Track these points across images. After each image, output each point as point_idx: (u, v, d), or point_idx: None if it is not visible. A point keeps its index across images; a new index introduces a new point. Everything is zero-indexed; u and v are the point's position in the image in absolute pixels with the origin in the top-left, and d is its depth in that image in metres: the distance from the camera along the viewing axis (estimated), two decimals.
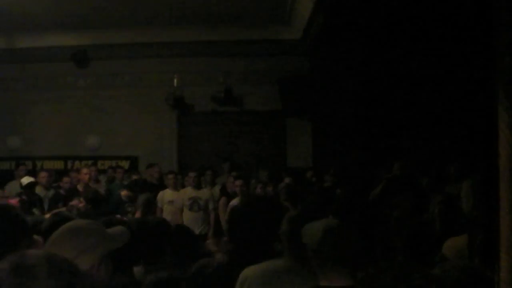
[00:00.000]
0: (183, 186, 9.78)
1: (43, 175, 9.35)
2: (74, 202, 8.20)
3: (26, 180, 8.59)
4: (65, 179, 9.63)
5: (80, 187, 9.20)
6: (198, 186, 9.43)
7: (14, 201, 7.60)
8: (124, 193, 9.10)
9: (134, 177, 10.13)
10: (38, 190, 8.83)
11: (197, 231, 8.08)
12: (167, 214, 8.75)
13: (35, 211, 7.63)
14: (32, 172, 10.70)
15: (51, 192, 9.07)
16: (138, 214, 6.78)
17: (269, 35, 11.96)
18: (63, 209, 7.31)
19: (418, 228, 3.24)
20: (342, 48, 10.75)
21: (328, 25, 9.86)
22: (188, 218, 8.99)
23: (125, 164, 12.40)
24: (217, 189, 9.84)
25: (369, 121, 11.16)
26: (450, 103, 9.83)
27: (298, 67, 11.84)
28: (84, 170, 9.79)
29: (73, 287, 1.78)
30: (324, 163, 10.81)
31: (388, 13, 9.12)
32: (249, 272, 3.33)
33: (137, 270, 3.41)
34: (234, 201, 8.12)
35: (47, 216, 5.46)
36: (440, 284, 1.78)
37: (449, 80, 9.42)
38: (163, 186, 9.62)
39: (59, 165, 12.48)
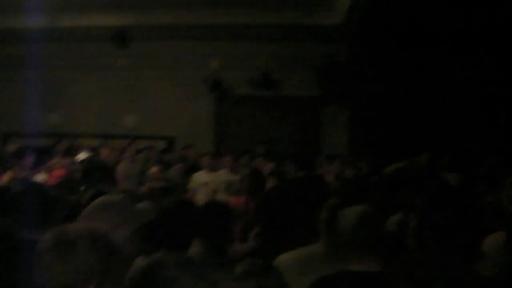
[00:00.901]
0: (218, 169, 9.80)
1: (104, 151, 9.50)
2: None
3: (82, 156, 8.80)
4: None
5: (120, 167, 9.37)
6: (233, 170, 9.44)
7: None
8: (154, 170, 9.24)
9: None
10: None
11: None
12: (201, 195, 8.78)
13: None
14: (71, 150, 10.90)
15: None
16: None
17: (309, 19, 11.83)
18: None
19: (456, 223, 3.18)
20: (384, 34, 10.61)
21: (371, 10, 9.71)
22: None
23: (162, 145, 12.52)
24: None
25: (409, 110, 11.05)
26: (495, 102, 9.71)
27: (337, 53, 11.71)
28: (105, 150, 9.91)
29: (113, 260, 1.82)
30: (361, 152, 10.73)
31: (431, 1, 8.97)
32: (283, 259, 3.35)
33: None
34: None
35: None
36: (479, 280, 1.76)
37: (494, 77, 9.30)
38: (198, 168, 9.64)
39: (97, 143, 12.63)
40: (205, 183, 9.18)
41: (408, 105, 10.99)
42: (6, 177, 7.78)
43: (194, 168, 9.59)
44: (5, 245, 2.98)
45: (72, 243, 1.73)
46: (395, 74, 10.82)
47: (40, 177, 8.07)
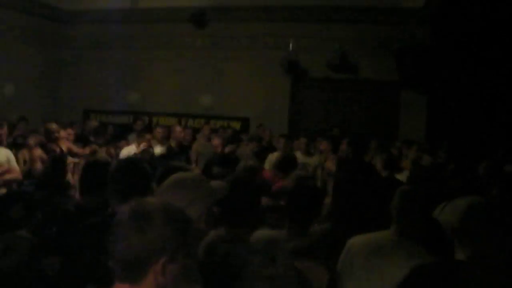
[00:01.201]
0: (292, 151, 9.79)
1: (158, 130, 9.66)
2: None
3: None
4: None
5: (195, 146, 9.54)
6: (308, 152, 9.40)
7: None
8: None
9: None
10: (154, 144, 9.18)
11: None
12: None
13: None
14: (148, 127, 11.17)
15: (165, 148, 9.39)
16: None
17: (389, 2, 11.59)
18: None
19: None
20: (466, 18, 10.26)
21: None
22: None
23: (237, 125, 12.65)
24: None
25: (489, 98, 10.66)
26: None
27: (417, 37, 11.38)
28: (178, 128, 10.05)
29: (186, 235, 1.83)
30: (438, 138, 10.46)
31: None
32: (355, 241, 3.35)
33: None
34: None
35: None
36: None
37: None
38: (272, 149, 9.64)
39: (173, 121, 12.89)
40: None
41: (489, 92, 10.60)
42: (87, 150, 8.06)
43: (269, 148, 9.61)
44: (99, 218, 3.08)
45: (148, 215, 1.75)
46: (477, 59, 10.45)
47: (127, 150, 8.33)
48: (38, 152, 7.18)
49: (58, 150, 7.48)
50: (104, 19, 12.94)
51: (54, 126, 7.84)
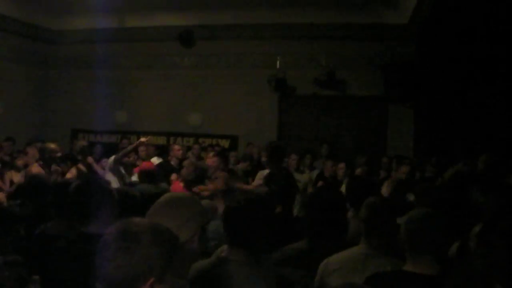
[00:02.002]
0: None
1: (142, 149, 9.68)
2: (173, 177, 8.53)
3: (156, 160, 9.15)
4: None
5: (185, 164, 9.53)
6: (298, 169, 9.42)
7: None
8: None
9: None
10: (139, 163, 9.18)
11: (294, 213, 8.07)
12: None
13: None
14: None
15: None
16: None
17: (375, 19, 11.67)
18: None
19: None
20: (451, 34, 10.37)
21: (437, 9, 9.50)
22: None
23: (225, 143, 12.64)
24: (315, 173, 9.75)
25: (475, 110, 10.74)
26: None
27: (403, 53, 11.49)
28: (176, 147, 10.08)
29: (174, 255, 1.83)
30: (426, 152, 10.52)
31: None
32: (329, 261, 3.35)
33: None
34: None
35: None
36: None
37: None
38: (261, 166, 9.65)
39: (162, 140, 12.88)
40: None
41: (475, 105, 10.69)
42: (73, 172, 8.02)
43: (258, 166, 9.62)
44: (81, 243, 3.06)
45: (135, 236, 1.75)
46: (461, 73, 10.55)
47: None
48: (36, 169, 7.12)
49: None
50: (91, 38, 12.93)
51: (52, 146, 7.82)
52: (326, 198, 3.96)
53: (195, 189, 6.55)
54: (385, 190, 7.43)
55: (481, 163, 8.32)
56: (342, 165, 8.67)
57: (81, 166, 8.24)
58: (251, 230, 2.98)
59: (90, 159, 8.64)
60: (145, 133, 13.07)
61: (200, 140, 12.31)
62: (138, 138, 12.75)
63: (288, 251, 3.70)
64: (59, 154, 7.74)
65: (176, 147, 10.13)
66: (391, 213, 3.38)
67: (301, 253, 3.59)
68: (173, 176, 8.53)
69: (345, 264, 3.25)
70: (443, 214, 3.09)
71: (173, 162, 9.75)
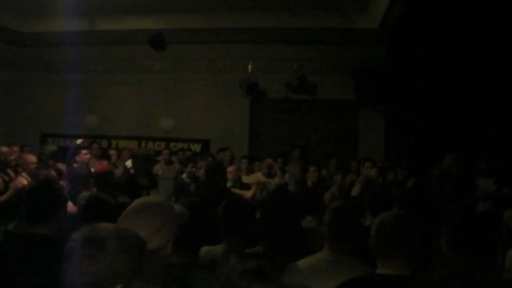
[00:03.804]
0: (253, 171, 9.84)
1: (112, 152, 9.61)
2: None
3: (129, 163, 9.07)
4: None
5: (156, 169, 9.52)
6: (270, 173, 9.44)
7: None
8: (185, 175, 9.40)
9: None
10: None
11: None
12: None
13: None
14: (106, 150, 11.07)
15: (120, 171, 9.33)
16: None
17: (345, 23, 11.76)
18: None
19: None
20: (421, 38, 10.48)
21: (407, 15, 9.61)
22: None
23: (197, 147, 12.61)
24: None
25: (445, 114, 10.87)
26: None
27: (373, 57, 11.59)
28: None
29: (141, 261, 1.80)
30: (397, 156, 10.61)
31: (471, 3, 8.81)
32: (292, 267, 3.32)
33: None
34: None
35: None
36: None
37: None
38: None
39: (133, 145, 12.76)
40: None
41: (445, 109, 10.83)
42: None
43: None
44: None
45: (101, 242, 1.72)
46: (432, 78, 10.68)
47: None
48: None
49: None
50: (61, 41, 12.77)
51: (5, 149, 7.71)
52: (279, 202, 4.02)
53: None
54: (356, 190, 7.46)
55: (446, 163, 8.50)
56: (312, 168, 8.66)
57: (51, 171, 8.12)
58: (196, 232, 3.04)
59: (59, 165, 8.51)
60: (116, 137, 13.03)
61: (172, 144, 12.23)
62: (109, 142, 12.79)
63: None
64: (12, 157, 7.68)
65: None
66: (355, 218, 3.38)
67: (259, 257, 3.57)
68: None
69: (308, 270, 3.24)
70: (413, 216, 3.10)
71: None
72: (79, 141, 9.47)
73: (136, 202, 2.71)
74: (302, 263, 3.31)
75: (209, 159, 9.51)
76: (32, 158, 7.81)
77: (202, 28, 12.34)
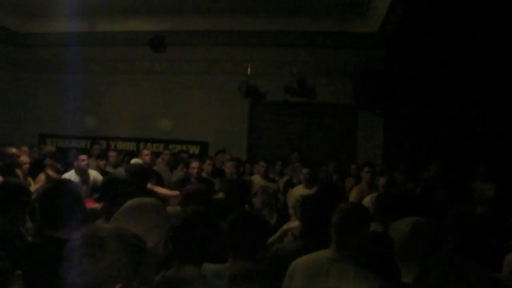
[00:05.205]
0: (251, 174, 9.84)
1: (111, 154, 9.58)
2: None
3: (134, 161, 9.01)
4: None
5: (157, 168, 9.47)
6: (267, 176, 9.42)
7: None
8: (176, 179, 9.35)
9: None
10: (108, 169, 9.08)
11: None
12: None
13: None
14: (105, 152, 11.04)
15: (120, 171, 9.28)
16: None
17: (345, 27, 11.79)
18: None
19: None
20: (420, 43, 10.51)
21: (406, 19, 9.64)
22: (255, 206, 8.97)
23: (195, 149, 12.60)
24: (284, 180, 9.72)
25: (444, 119, 10.90)
26: None
27: (372, 61, 11.60)
28: (145, 152, 9.93)
29: (141, 261, 1.81)
30: (395, 160, 10.63)
31: (469, 8, 8.84)
32: (297, 262, 3.35)
33: None
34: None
35: None
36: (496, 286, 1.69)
37: None
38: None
39: (131, 146, 12.79)
40: None
41: (444, 113, 10.85)
42: (41, 177, 7.90)
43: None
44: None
45: (101, 242, 1.73)
46: (430, 81, 10.71)
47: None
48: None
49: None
50: (61, 42, 12.78)
51: (13, 150, 7.69)
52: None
53: None
54: (353, 196, 7.49)
55: (433, 170, 8.58)
56: (305, 171, 8.64)
57: (50, 172, 8.11)
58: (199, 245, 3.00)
59: (58, 165, 8.46)
60: (115, 139, 13.02)
61: (170, 146, 12.21)
62: (108, 143, 12.77)
63: (284, 251, 3.75)
64: (21, 159, 7.64)
65: (145, 151, 9.96)
66: (363, 221, 3.38)
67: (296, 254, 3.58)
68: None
69: (310, 266, 3.26)
70: (429, 222, 3.10)
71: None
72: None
73: (129, 202, 2.73)
74: (305, 258, 3.34)
75: (207, 161, 9.47)
76: (25, 159, 7.77)
77: (201, 30, 12.37)
